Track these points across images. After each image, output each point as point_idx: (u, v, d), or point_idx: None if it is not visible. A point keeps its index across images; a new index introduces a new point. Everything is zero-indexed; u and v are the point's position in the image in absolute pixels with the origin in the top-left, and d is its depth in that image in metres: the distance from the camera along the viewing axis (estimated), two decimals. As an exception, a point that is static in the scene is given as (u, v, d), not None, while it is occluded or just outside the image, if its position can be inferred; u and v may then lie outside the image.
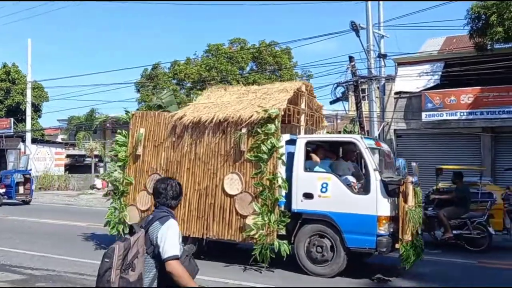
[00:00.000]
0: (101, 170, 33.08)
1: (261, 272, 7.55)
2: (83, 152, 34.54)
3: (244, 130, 7.83)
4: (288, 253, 7.48)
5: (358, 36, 16.18)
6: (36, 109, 35.37)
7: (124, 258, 2.93)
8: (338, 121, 24.01)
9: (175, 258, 2.93)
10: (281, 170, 7.68)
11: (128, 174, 9.06)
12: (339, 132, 22.00)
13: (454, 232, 9.64)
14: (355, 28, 15.99)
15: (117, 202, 9.10)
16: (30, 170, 21.85)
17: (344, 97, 17.15)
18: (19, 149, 31.08)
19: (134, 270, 2.92)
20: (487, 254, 9.33)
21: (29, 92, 30.34)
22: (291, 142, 7.95)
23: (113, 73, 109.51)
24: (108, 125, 39.32)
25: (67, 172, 32.37)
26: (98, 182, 28.78)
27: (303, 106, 8.82)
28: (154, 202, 3.27)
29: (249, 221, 7.56)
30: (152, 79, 34.35)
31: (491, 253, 9.45)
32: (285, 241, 7.56)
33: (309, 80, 33.93)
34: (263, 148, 7.59)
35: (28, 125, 30.18)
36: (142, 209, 8.68)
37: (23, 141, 30.70)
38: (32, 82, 31.29)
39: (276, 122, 7.65)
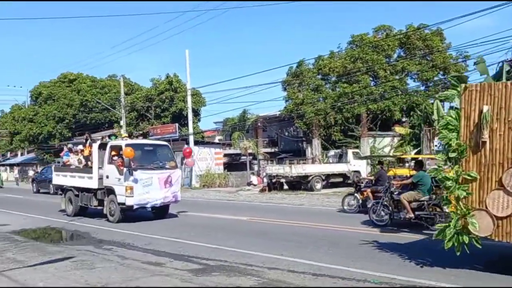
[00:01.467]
0: (255, 167, 34.89)
1: (422, 267, 7.18)
2: (238, 151, 36.76)
3: None
4: None
5: (527, 6, 14.25)
6: (196, 113, 38.84)
7: None
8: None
9: None
10: None
11: (467, 168, 7.02)
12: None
13: (417, 213, 10.84)
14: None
15: (459, 206, 6.96)
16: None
17: (509, 76, 15.31)
18: (184, 151, 34.39)
19: None
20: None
21: (189, 98, 33.37)
22: None
23: (262, 74, 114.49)
24: (259, 124, 41.37)
25: (226, 170, 34.74)
26: (254, 179, 30.45)
27: None
28: None
29: None
30: (298, 76, 34.96)
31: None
32: None
33: (466, 62, 31.09)
34: None
35: (190, 129, 33.23)
36: (499, 215, 6.72)
37: (187, 143, 33.94)
38: (191, 89, 34.35)
39: None
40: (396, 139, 31.96)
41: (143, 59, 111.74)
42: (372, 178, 15.66)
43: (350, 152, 27.56)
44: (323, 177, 25.30)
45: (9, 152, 64.05)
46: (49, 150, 49.15)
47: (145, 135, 15.24)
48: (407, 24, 32.97)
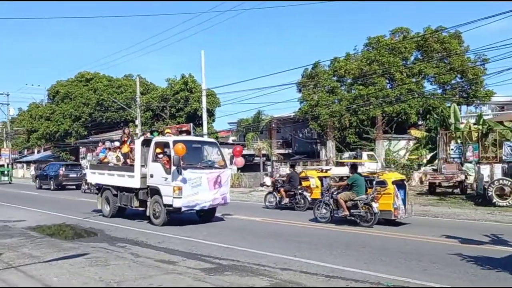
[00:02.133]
0: (269, 168, 34.84)
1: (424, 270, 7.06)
2: (252, 152, 36.78)
3: None
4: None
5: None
6: (210, 114, 38.95)
7: None
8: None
9: None
10: None
11: None
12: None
13: (352, 211, 12.19)
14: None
15: None
16: None
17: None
18: (199, 151, 34.49)
19: None
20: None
21: (204, 99, 33.49)
22: None
23: (277, 75, 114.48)
24: (273, 125, 41.34)
25: (239, 170, 34.74)
26: (267, 180, 30.32)
27: None
28: None
29: None
30: (313, 78, 34.86)
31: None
32: None
33: (484, 65, 30.66)
34: None
35: (205, 129, 33.33)
36: None
37: (201, 143, 34.02)
38: (206, 90, 34.47)
39: None
40: (411, 142, 31.65)
41: (159, 60, 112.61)
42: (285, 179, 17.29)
43: (364, 154, 27.41)
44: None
45: (26, 150, 65.06)
46: (65, 148, 49.81)
47: (188, 132, 14.49)
48: (425, 26, 32.70)
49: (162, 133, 14.62)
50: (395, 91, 31.60)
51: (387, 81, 33.18)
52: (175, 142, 12.21)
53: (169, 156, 12.31)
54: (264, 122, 40.32)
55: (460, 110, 30.45)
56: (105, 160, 15.21)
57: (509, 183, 16.36)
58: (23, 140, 61.25)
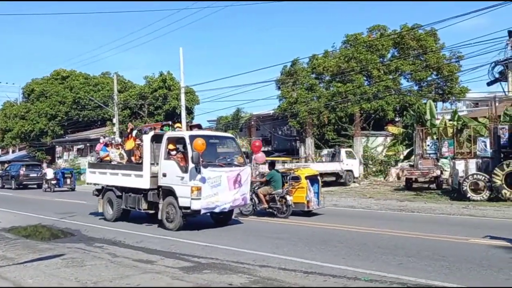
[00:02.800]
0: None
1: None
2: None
3: None
4: None
5: (519, 7, 14.34)
6: (189, 111, 38.72)
7: None
8: (497, 104, 21.65)
9: None
10: None
11: None
12: (499, 117, 19.99)
13: (270, 204, 13.50)
14: (514, -2, 14.18)
15: None
16: (72, 169, 33.94)
17: (503, 77, 15.47)
18: (177, 149, 34.28)
19: None
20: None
21: (183, 96, 33.23)
22: None
23: (255, 72, 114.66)
24: (252, 123, 41.34)
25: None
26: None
27: None
28: None
29: None
30: (292, 75, 34.97)
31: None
32: None
33: (459, 62, 31.27)
34: None
35: (184, 127, 33.07)
36: None
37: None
38: (185, 87, 34.24)
39: None
40: (389, 139, 32.09)
41: (137, 57, 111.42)
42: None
43: (343, 151, 27.65)
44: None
45: (0, 150, 63.58)
46: (41, 147, 48.86)
47: (200, 126, 13.30)
48: (401, 24, 33.12)
49: (172, 126, 13.16)
50: (372, 88, 31.96)
51: (365, 78, 33.53)
52: (192, 137, 11.06)
53: (183, 153, 11.30)
54: (244, 120, 40.30)
55: (436, 107, 31.01)
56: (107, 158, 13.90)
57: (483, 178, 16.75)
58: (-3, 140, 59.85)
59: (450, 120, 25.55)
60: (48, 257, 8.38)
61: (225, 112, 41.77)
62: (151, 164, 12.00)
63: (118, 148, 13.72)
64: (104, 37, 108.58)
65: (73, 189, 29.32)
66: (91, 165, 14.80)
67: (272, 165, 14.67)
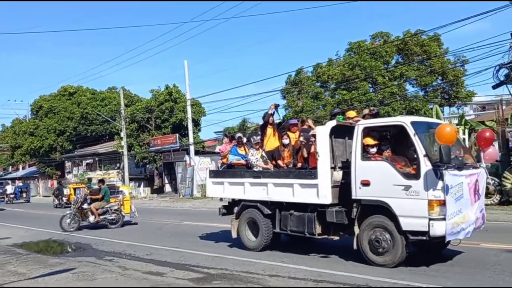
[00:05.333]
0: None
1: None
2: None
3: None
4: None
5: (522, 9, 14.32)
6: (196, 123, 38.83)
7: None
8: (504, 107, 21.54)
9: None
10: None
11: None
12: (506, 120, 19.86)
13: (102, 217, 15.25)
14: (517, 0, 14.22)
15: None
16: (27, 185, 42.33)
17: (509, 80, 15.41)
18: (185, 161, 34.44)
19: None
20: None
21: (189, 109, 33.47)
22: None
23: (261, 83, 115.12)
24: (259, 132, 41.44)
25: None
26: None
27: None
28: None
29: None
30: (297, 84, 35.06)
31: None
32: None
33: (464, 66, 31.18)
34: None
35: (191, 139, 33.24)
36: None
37: (188, 153, 33.94)
38: (191, 99, 34.45)
39: None
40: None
41: (143, 71, 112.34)
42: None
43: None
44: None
45: (10, 166, 64.07)
46: (51, 163, 49.21)
47: (376, 114, 9.74)
48: (404, 30, 33.14)
49: (343, 115, 9.97)
50: (378, 95, 31.94)
51: (370, 85, 33.53)
52: (417, 124, 7.85)
53: (393, 150, 8.18)
54: (250, 130, 40.37)
55: (442, 111, 30.87)
56: (239, 163, 10.45)
57: (493, 181, 16.61)
58: (7, 157, 60.32)
59: (457, 124, 25.43)
60: (58, 271, 8.43)
61: (232, 123, 41.94)
62: (331, 168, 8.66)
63: (258, 149, 10.25)
64: (109, 53, 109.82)
65: (28, 201, 37.66)
66: (216, 174, 11.15)
67: (102, 181, 16.55)
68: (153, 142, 37.83)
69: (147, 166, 41.19)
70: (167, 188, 38.90)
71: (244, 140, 10.90)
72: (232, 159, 10.50)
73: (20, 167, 61.89)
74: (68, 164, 50.59)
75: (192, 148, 33.05)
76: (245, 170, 10.21)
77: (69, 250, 11.81)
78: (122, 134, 37.64)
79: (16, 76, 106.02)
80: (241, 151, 10.51)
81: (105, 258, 9.78)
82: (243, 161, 10.35)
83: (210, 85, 77.51)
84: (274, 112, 10.44)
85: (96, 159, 46.07)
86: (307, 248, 9.61)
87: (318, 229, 8.69)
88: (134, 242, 11.74)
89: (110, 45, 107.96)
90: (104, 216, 15.25)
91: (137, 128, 41.23)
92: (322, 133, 8.65)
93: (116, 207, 15.59)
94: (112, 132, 45.32)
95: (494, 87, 14.70)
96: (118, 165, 43.37)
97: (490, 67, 15.73)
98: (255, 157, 10.06)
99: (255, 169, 9.99)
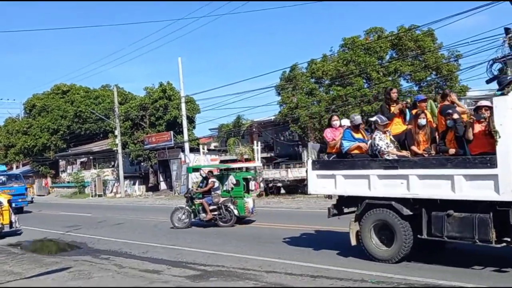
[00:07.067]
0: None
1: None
2: (234, 157, 36.73)
3: None
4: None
5: (515, 3, 14.33)
6: (191, 121, 38.72)
7: None
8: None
9: None
10: None
11: None
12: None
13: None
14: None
15: None
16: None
17: (502, 74, 15.44)
18: (180, 158, 34.39)
19: None
20: None
21: (183, 106, 33.38)
22: None
23: (255, 79, 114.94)
24: (254, 129, 41.40)
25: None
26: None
27: None
28: None
29: None
30: (291, 80, 35.04)
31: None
32: None
33: (458, 61, 31.29)
34: None
35: (185, 136, 33.17)
36: None
37: (183, 151, 33.88)
38: (185, 96, 34.35)
39: None
40: (391, 140, 31.98)
41: (136, 69, 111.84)
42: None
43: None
44: None
45: (4, 165, 63.73)
46: (45, 162, 48.99)
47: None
48: (398, 25, 33.16)
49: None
50: (372, 90, 31.99)
51: (364, 80, 33.57)
52: None
53: None
54: (245, 127, 40.34)
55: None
56: (356, 151, 8.37)
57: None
58: (0, 156, 60.01)
59: (451, 119, 25.51)
60: (55, 270, 8.40)
61: (226, 120, 41.83)
62: None
63: (385, 133, 8.14)
64: (103, 50, 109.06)
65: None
66: (323, 165, 9.05)
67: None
68: (148, 140, 37.73)
69: (142, 164, 41.07)
70: (162, 186, 38.82)
71: (385, 120, 8.27)
72: (348, 145, 8.29)
73: (14, 166, 61.57)
74: (62, 162, 50.37)
75: (186, 146, 32.98)
76: (370, 159, 8.03)
77: (65, 249, 11.76)
78: (116, 132, 37.52)
79: (9, 74, 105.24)
80: (357, 135, 8.43)
81: (101, 256, 9.76)
82: (366, 146, 8.21)
83: (204, 82, 77.39)
84: (393, 95, 8.75)
85: (91, 157, 45.90)
86: (304, 244, 9.64)
87: (491, 233, 6.56)
88: (130, 240, 11.72)
89: (103, 43, 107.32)
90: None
91: (131, 126, 41.09)
92: (503, 105, 6.55)
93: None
94: (106, 130, 45.13)
95: (488, 82, 14.62)
96: (112, 163, 43.26)
97: (484, 62, 15.76)
98: (384, 141, 7.87)
99: (386, 157, 7.80)
